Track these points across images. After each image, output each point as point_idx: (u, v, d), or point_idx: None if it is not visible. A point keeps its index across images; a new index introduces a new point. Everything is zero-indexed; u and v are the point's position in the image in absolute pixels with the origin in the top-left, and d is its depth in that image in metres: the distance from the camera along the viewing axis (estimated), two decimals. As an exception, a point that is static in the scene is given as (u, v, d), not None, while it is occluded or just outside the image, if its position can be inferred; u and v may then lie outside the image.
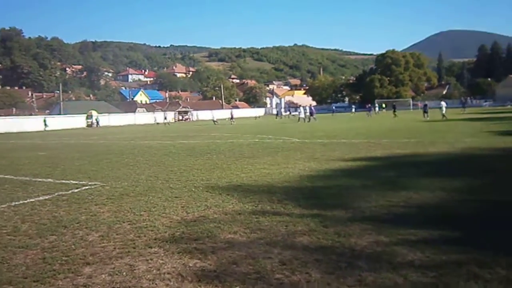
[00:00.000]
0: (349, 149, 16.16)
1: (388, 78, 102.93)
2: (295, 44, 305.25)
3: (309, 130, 30.77)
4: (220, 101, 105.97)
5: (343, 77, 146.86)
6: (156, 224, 6.53)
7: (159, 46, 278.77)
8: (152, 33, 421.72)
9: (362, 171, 10.97)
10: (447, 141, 17.51)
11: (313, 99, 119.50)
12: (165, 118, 64.08)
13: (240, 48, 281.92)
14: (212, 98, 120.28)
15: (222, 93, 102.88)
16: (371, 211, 6.81)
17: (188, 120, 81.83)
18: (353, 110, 78.09)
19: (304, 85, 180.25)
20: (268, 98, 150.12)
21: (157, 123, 50.78)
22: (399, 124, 32.87)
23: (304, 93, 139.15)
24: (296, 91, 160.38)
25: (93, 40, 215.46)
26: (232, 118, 53.99)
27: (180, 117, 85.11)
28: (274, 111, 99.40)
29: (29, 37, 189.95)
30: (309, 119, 45.51)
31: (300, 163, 12.55)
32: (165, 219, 6.79)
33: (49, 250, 5.49)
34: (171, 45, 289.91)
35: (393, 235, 5.50)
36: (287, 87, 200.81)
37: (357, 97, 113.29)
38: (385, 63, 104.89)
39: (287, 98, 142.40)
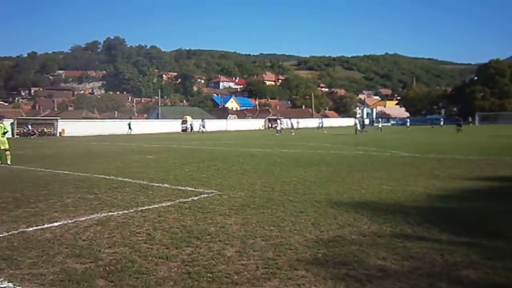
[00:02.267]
0: (469, 166, 14.87)
1: (491, 89, 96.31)
2: (386, 53, 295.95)
3: (412, 143, 29.25)
4: (310, 109, 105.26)
5: (439, 88, 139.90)
6: (292, 242, 6.14)
7: (249, 54, 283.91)
8: (243, 41, 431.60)
9: (499, 193, 9.88)
10: None
11: (406, 110, 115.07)
12: (286, 127, 59.80)
13: (330, 56, 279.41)
14: (302, 107, 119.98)
15: (313, 101, 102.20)
16: (538, 244, 5.93)
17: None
18: (442, 123, 73.53)
19: (396, 95, 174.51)
20: (358, 108, 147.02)
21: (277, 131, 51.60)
22: (506, 140, 30.25)
23: (397, 104, 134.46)
24: (388, 102, 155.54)
25: (188, 48, 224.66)
26: (292, 127, 54.01)
27: (270, 125, 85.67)
28: (367, 121, 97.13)
29: (131, 46, 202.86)
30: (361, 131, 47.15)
31: (421, 180, 11.66)
32: (298, 237, 6.38)
33: (190, 264, 5.28)
34: (260, 53, 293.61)
35: None
36: (377, 97, 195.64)
37: (455, 109, 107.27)
38: (488, 74, 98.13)
39: (379, 108, 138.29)
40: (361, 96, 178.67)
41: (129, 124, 58.56)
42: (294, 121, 62.18)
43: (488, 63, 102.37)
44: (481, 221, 7.25)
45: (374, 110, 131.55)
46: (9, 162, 17.21)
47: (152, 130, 62.74)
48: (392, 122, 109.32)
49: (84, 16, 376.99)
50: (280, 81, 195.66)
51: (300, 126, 73.90)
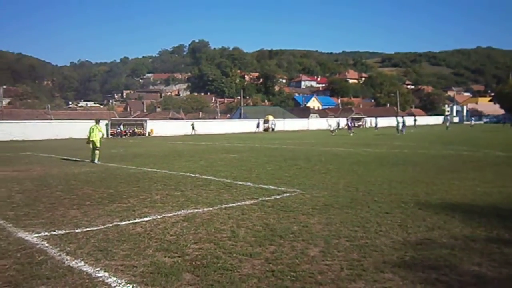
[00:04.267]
0: None
1: None
2: (478, 47, 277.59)
3: (508, 142, 27.28)
4: (395, 108, 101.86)
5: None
6: (377, 243, 5.94)
7: (331, 53, 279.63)
8: (324, 40, 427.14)
9: None
10: None
11: (501, 107, 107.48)
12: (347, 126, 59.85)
13: (416, 52, 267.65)
14: (386, 105, 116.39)
15: (398, 99, 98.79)
16: None
17: (362, 126, 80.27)
18: None
19: (489, 92, 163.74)
20: (446, 105, 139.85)
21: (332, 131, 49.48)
22: None
23: (490, 100, 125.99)
24: (480, 98, 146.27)
25: (270, 49, 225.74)
26: (376, 126, 51.16)
27: (353, 124, 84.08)
28: (456, 119, 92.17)
29: (214, 48, 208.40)
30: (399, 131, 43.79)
31: (520, 182, 10.82)
32: (384, 238, 6.17)
33: (274, 262, 5.28)
34: (342, 51, 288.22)
35: None
36: (468, 94, 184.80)
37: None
38: None
39: (470, 105, 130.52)
40: (450, 93, 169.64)
41: (192, 125, 59.38)
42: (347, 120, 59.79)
43: None
44: None
45: (465, 107, 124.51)
46: (96, 160, 18.37)
47: (234, 130, 64.00)
48: (485, 119, 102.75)
49: (170, 21, 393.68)
50: (363, 79, 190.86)
51: (383, 125, 71.80)
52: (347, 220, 7.29)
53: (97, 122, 19.94)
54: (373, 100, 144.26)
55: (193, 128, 58.36)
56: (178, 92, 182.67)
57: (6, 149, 29.32)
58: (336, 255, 5.50)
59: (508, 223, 6.82)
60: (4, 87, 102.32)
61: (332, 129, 50.48)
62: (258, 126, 68.65)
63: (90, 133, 18.83)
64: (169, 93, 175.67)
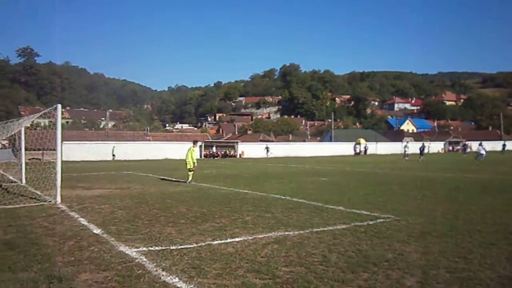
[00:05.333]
0: None
1: None
2: None
3: None
4: (498, 131, 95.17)
5: None
6: (481, 276, 5.50)
7: (426, 74, 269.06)
8: (419, 60, 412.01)
9: None
10: None
11: None
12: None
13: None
14: (488, 128, 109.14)
15: (502, 122, 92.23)
16: None
17: (461, 151, 75.74)
18: None
19: None
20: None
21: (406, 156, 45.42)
22: None
23: None
24: None
25: (361, 71, 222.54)
26: (421, 153, 44.46)
27: (451, 148, 79.75)
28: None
29: (305, 71, 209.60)
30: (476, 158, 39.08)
31: None
32: (490, 272, 5.69)
33: (367, 290, 5.08)
34: (439, 72, 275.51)
35: None
36: None
37: None
38: None
39: None
40: None
41: (266, 148, 59.90)
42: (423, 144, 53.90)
43: None
44: None
45: None
46: (189, 180, 19.00)
47: (325, 153, 63.45)
48: None
49: (262, 46, 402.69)
50: (462, 100, 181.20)
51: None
52: (446, 249, 6.84)
53: (194, 143, 20.48)
54: (473, 123, 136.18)
55: (267, 150, 58.72)
56: (269, 115, 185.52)
57: (110, 168, 31.52)
58: (435, 287, 5.16)
59: None
60: (110, 111, 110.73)
61: (405, 153, 46.83)
62: (355, 150, 67.59)
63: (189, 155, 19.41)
64: (259, 116, 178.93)
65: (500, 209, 10.80)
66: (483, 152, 39.63)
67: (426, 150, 45.23)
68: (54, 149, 12.89)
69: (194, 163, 19.25)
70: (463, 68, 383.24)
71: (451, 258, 6.37)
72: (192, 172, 19.24)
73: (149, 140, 68.97)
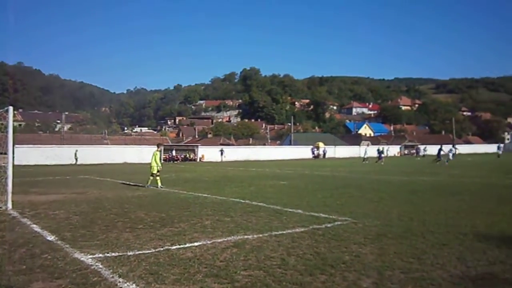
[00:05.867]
0: None
1: None
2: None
3: None
4: (451, 135, 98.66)
5: None
6: (434, 276, 5.68)
7: (383, 79, 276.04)
8: (376, 66, 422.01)
9: None
10: None
11: None
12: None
13: (472, 78, 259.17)
14: (441, 132, 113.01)
15: (453, 127, 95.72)
16: None
17: (415, 155, 78.08)
18: None
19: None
20: (506, 133, 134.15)
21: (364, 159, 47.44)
22: None
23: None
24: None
25: (320, 76, 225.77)
26: (417, 154, 45.97)
27: (406, 151, 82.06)
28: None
29: (265, 75, 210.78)
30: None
31: None
32: (442, 271, 5.88)
33: (325, 293, 5.14)
34: (395, 78, 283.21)
35: None
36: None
37: None
38: None
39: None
40: (510, 120, 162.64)
41: (221, 151, 59.22)
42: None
43: None
44: None
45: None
46: (148, 185, 18.76)
47: (285, 156, 63.93)
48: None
49: (223, 50, 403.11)
50: (416, 105, 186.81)
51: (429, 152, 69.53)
52: (401, 251, 7.02)
53: (158, 146, 20.27)
54: (427, 127, 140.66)
55: (222, 153, 58.56)
56: (229, 119, 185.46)
57: (66, 173, 30.64)
58: (390, 288, 5.29)
59: None
60: (66, 113, 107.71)
61: (364, 157, 48.24)
62: (314, 153, 68.28)
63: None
64: (220, 120, 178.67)
65: (452, 210, 11.17)
66: (450, 156, 40.96)
67: (385, 154, 46.46)
68: (5, 153, 12.41)
69: (158, 166, 18.98)
70: (418, 74, 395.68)
71: (406, 259, 6.54)
72: (158, 176, 18.93)
73: (107, 144, 67.53)
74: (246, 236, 8.26)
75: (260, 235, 8.35)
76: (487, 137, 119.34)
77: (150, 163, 19.19)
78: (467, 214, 10.57)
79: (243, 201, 13.63)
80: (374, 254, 6.85)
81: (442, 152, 41.09)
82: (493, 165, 36.03)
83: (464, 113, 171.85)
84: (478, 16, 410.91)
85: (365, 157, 47.96)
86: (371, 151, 53.10)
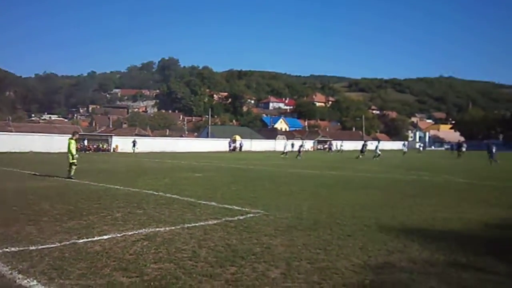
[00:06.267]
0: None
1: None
2: (441, 76, 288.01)
3: (468, 168, 28.15)
4: (361, 132, 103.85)
5: (497, 112, 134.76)
6: (338, 266, 5.96)
7: (300, 76, 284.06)
8: (293, 63, 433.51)
9: None
10: None
11: (461, 135, 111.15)
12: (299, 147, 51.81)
13: (382, 78, 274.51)
14: (352, 129, 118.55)
15: (363, 124, 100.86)
16: None
17: (328, 149, 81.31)
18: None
19: (450, 119, 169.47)
20: (410, 131, 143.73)
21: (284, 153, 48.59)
22: None
23: (451, 128, 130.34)
24: (442, 125, 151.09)
25: (239, 69, 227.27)
26: (330, 149, 48.51)
27: (320, 146, 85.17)
28: (417, 145, 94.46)
29: (184, 66, 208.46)
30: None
31: (479, 209, 11.13)
32: (345, 261, 6.19)
33: (234, 284, 5.21)
34: (311, 75, 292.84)
35: None
36: (430, 121, 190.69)
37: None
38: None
39: (432, 132, 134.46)
40: (414, 119, 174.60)
41: (133, 142, 56.25)
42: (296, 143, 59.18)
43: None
44: (543, 253, 6.81)
45: (427, 133, 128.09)
46: (71, 174, 17.85)
47: (202, 149, 63.71)
48: (446, 146, 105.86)
49: (141, 37, 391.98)
50: (330, 102, 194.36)
51: (345, 148, 73.03)
52: (309, 242, 7.29)
53: (74, 135, 19.20)
54: (339, 124, 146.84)
55: (134, 145, 55.55)
56: (146, 109, 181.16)
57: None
58: (297, 277, 5.48)
59: (467, 248, 6.97)
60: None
61: (284, 151, 49.56)
62: (230, 146, 68.47)
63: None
64: (136, 110, 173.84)
65: (358, 203, 11.78)
66: (378, 151, 43.00)
67: (303, 148, 48.07)
68: None
69: (73, 155, 18.04)
70: (332, 73, 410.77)
71: (313, 250, 6.81)
72: (75, 166, 18.01)
73: (11, 131, 63.11)
74: (158, 229, 8.15)
75: (173, 228, 8.27)
76: (393, 134, 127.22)
77: (67, 153, 18.26)
78: (372, 207, 11.19)
79: (157, 193, 13.41)
80: (284, 246, 7.05)
81: (366, 148, 43.26)
82: (398, 161, 38.40)
83: (374, 111, 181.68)
84: (387, 20, 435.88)
85: (285, 151, 49.08)
86: (292, 145, 54.71)
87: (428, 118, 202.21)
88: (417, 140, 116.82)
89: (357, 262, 6.19)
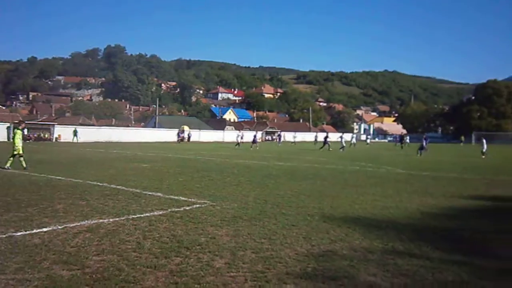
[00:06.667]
0: (463, 185, 15.00)
1: (488, 109, 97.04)
2: (385, 70, 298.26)
3: (409, 160, 29.32)
4: (308, 123, 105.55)
5: (436, 106, 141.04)
6: (282, 255, 6.09)
7: (249, 67, 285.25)
8: (243, 54, 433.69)
9: (492, 212, 9.92)
10: None
11: (404, 127, 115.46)
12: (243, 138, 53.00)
13: (329, 71, 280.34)
14: (299, 120, 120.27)
15: (310, 116, 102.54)
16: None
17: (275, 141, 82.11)
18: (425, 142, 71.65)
19: (394, 112, 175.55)
20: (355, 123, 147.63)
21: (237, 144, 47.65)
22: (501, 160, 30.30)
23: (394, 121, 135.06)
24: (385, 118, 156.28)
25: (188, 59, 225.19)
26: (254, 142, 48.58)
27: (268, 137, 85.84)
28: (363, 137, 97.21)
29: (131, 54, 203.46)
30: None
31: (415, 198, 11.67)
32: (289, 250, 6.34)
33: (178, 274, 5.22)
34: (260, 66, 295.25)
35: None
36: (375, 114, 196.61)
37: (451, 128, 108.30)
38: (486, 94, 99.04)
39: (376, 124, 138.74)
40: (359, 112, 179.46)
41: (74, 131, 54.46)
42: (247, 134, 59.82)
43: (486, 83, 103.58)
44: (473, 239, 7.27)
45: (371, 126, 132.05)
46: (24, 166, 17.12)
47: (149, 139, 62.64)
48: (390, 138, 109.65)
49: (85, 23, 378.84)
50: (278, 94, 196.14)
51: (297, 140, 74.09)
52: (254, 232, 7.39)
53: (19, 124, 18.38)
54: (287, 115, 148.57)
55: (75, 135, 53.91)
56: (91, 97, 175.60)
57: None
58: (241, 267, 5.55)
59: (403, 236, 7.30)
60: None
61: (237, 142, 49.41)
62: (178, 136, 67.46)
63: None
64: (80, 98, 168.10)
65: (304, 194, 12.03)
66: (343, 143, 43.63)
67: (258, 139, 48.24)
68: None
69: (14, 146, 17.31)
70: (281, 64, 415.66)
71: (258, 239, 6.91)
72: (22, 157, 17.28)
73: None
74: (101, 220, 7.99)
75: (117, 219, 8.14)
76: (339, 126, 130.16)
77: (13, 143, 17.54)
78: (316, 197, 11.46)
79: (101, 184, 13.11)
80: (229, 236, 7.11)
81: (343, 139, 43.91)
82: (344, 152, 39.35)
83: (321, 103, 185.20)
84: (334, 15, 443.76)
85: (239, 141, 48.82)
86: (247, 136, 54.85)
87: (373, 111, 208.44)
88: (362, 132, 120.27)
89: (300, 251, 6.34)
